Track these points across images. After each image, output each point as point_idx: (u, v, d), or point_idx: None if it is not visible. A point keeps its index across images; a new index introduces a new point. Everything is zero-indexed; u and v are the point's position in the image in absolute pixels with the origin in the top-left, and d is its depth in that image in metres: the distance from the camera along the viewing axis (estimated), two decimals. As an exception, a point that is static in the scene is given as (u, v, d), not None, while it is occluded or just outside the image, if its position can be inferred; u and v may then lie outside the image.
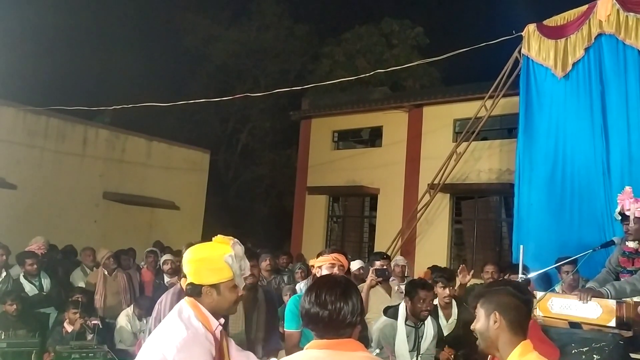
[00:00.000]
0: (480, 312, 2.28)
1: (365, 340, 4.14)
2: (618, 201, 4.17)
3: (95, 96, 13.87)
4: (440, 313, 4.85)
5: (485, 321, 2.25)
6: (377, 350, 3.97)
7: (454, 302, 4.90)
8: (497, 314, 2.23)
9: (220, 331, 2.60)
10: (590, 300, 3.59)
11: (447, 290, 4.77)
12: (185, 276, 3.17)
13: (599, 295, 3.66)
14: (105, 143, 12.83)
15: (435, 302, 4.91)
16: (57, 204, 11.38)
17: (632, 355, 3.42)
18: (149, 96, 11.28)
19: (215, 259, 2.58)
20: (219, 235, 2.67)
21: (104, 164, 12.71)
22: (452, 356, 4.46)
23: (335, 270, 3.82)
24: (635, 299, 3.78)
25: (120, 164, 13.03)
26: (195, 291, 2.56)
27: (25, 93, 12.87)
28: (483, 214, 12.15)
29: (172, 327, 2.47)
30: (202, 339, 2.43)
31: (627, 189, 4.14)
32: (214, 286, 2.56)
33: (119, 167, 12.98)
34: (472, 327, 2.34)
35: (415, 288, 4.19)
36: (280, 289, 6.81)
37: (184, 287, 3.02)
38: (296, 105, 16.73)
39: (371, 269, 5.43)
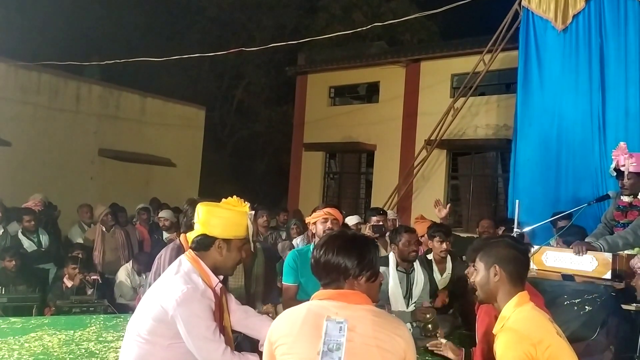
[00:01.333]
0: (480, 265, 2.32)
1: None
2: (613, 157, 4.17)
3: (88, 51, 13.59)
4: (435, 267, 4.92)
5: (486, 274, 2.29)
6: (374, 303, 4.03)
7: (448, 257, 4.97)
8: (497, 266, 2.27)
9: (220, 287, 2.63)
10: (585, 253, 3.64)
11: (444, 245, 4.82)
12: (186, 231, 3.19)
13: (593, 249, 3.71)
14: (98, 99, 12.69)
15: (430, 256, 4.99)
16: (52, 160, 11.34)
17: (623, 306, 3.49)
18: (143, 51, 11.11)
19: (239, 215, 2.61)
20: (234, 197, 2.68)
21: (98, 120, 12.61)
22: (447, 299, 4.58)
23: (329, 224, 3.88)
24: (628, 251, 3.83)
25: (115, 121, 12.93)
26: (205, 243, 2.56)
27: (16, 48, 12.61)
28: (479, 170, 12.17)
29: (172, 282, 2.48)
30: (202, 294, 2.45)
31: (622, 144, 4.14)
32: (227, 241, 2.57)
33: (113, 124, 12.88)
34: (472, 279, 2.39)
35: (399, 233, 4.31)
36: (277, 244, 6.88)
37: (183, 243, 3.03)
38: (292, 61, 16.48)
39: (367, 225, 5.49)
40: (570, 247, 3.81)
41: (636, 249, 3.83)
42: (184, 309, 2.38)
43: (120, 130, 12.96)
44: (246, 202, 2.69)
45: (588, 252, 3.66)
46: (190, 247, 2.62)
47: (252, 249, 3.84)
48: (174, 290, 2.43)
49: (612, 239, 3.84)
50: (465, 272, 2.43)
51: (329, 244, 2.00)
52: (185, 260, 2.57)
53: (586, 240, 4.00)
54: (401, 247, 4.25)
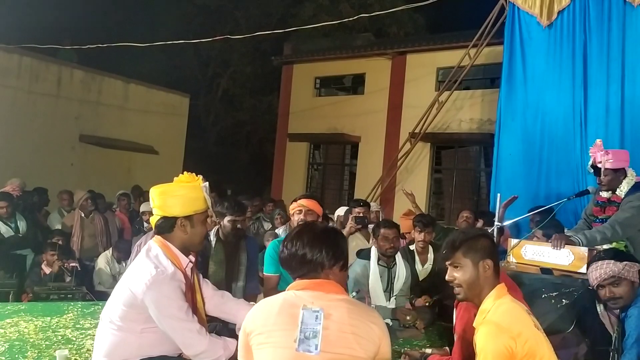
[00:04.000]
0: (466, 262, 2.25)
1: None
2: (590, 154, 4.21)
3: (69, 35, 13.32)
4: (417, 258, 4.94)
5: (474, 270, 2.23)
6: (354, 293, 4.05)
7: (430, 248, 4.98)
8: (487, 260, 2.23)
9: (191, 268, 2.62)
10: (563, 247, 3.69)
11: (422, 235, 4.83)
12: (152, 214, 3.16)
13: (571, 243, 3.75)
14: (80, 84, 12.48)
15: (412, 247, 5.01)
16: (32, 145, 11.15)
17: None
18: (127, 37, 10.93)
19: (194, 189, 2.59)
20: (185, 173, 2.65)
21: (80, 105, 12.40)
22: (428, 303, 4.59)
23: (302, 216, 3.89)
24: (605, 246, 3.89)
25: (97, 107, 12.74)
26: (167, 225, 2.55)
27: (-4, 30, 12.34)
28: (462, 164, 12.25)
29: (141, 266, 2.47)
30: (171, 277, 2.44)
31: (598, 142, 4.18)
32: (188, 218, 2.55)
33: (95, 110, 12.69)
34: (457, 278, 2.27)
35: (378, 227, 4.32)
36: (260, 234, 6.86)
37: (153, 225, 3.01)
38: (278, 51, 16.37)
39: (350, 216, 5.49)
40: (549, 240, 3.85)
41: (614, 244, 3.89)
42: (154, 292, 2.37)
43: (102, 116, 12.78)
44: (198, 176, 2.66)
45: (566, 246, 3.70)
46: (155, 233, 2.60)
47: (222, 232, 3.82)
48: (142, 274, 2.42)
49: (591, 233, 3.89)
50: (447, 278, 2.34)
51: (300, 238, 2.01)
52: (154, 245, 2.56)
53: (566, 233, 4.05)
54: (379, 242, 4.25)
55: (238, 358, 2.02)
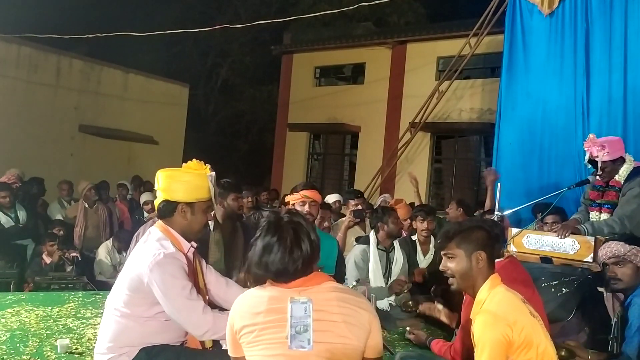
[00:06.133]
0: (459, 253, 2.26)
1: (343, 275, 4.25)
2: (585, 149, 4.20)
3: (69, 25, 13.26)
4: (419, 248, 4.95)
5: (467, 261, 2.24)
6: (354, 282, 4.06)
7: (432, 238, 4.99)
8: (481, 252, 2.24)
9: (193, 253, 2.62)
10: (568, 236, 3.70)
11: (425, 224, 4.84)
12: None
13: (577, 232, 3.76)
14: (79, 74, 12.44)
15: (415, 237, 5.02)
16: (32, 135, 11.13)
17: (599, 289, 3.55)
18: (126, 26, 10.86)
19: (200, 176, 2.59)
20: (193, 160, 2.66)
21: (79, 96, 12.38)
22: (423, 276, 4.66)
23: (307, 207, 3.87)
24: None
25: (96, 97, 12.71)
26: (168, 209, 2.56)
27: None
28: (462, 154, 12.23)
29: (144, 250, 2.49)
30: (174, 258, 2.45)
31: (591, 136, 4.17)
32: (190, 205, 2.56)
33: (94, 100, 12.66)
34: (450, 268, 2.28)
35: (386, 214, 4.40)
36: (260, 224, 6.84)
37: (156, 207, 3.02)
38: (278, 40, 16.30)
39: (348, 210, 5.48)
40: (553, 229, 3.85)
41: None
42: (158, 272, 2.38)
43: (102, 106, 12.75)
44: (206, 164, 2.67)
45: (572, 235, 3.71)
46: (157, 215, 2.62)
47: (218, 215, 3.83)
48: (146, 256, 2.43)
49: (598, 224, 3.88)
50: (441, 268, 2.33)
51: (285, 243, 1.87)
52: (155, 230, 2.58)
53: (572, 218, 4.04)
54: (391, 225, 4.33)
55: (229, 352, 1.97)
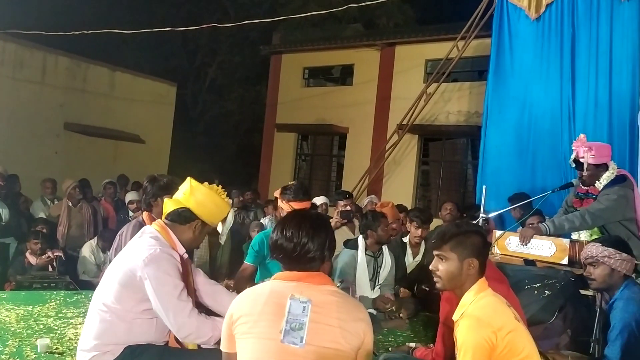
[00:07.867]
0: (452, 256, 2.25)
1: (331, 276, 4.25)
2: (573, 148, 4.24)
3: (55, 21, 13.12)
4: (409, 250, 4.98)
5: (458, 266, 2.23)
6: (339, 283, 4.06)
7: (423, 243, 5.04)
8: (473, 260, 2.23)
9: (186, 259, 2.63)
10: (529, 242, 3.76)
11: (419, 231, 4.92)
12: (146, 208, 3.16)
13: (539, 231, 3.80)
14: (65, 72, 12.32)
15: (406, 239, 5.05)
16: (16, 133, 10.99)
17: (582, 292, 3.58)
18: (113, 24, 10.78)
19: (227, 206, 2.72)
20: (219, 186, 2.73)
21: (65, 93, 12.25)
22: (409, 294, 4.66)
23: None
24: (584, 237, 3.94)
25: (82, 94, 12.59)
26: (186, 217, 2.58)
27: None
28: (450, 156, 12.29)
29: (139, 246, 2.49)
30: (170, 255, 2.47)
31: (581, 136, 4.20)
32: (204, 224, 2.63)
33: (80, 98, 12.53)
34: (439, 269, 2.28)
35: (376, 219, 4.39)
36: (245, 224, 6.84)
37: (146, 220, 3.02)
38: (267, 40, 16.28)
39: (336, 211, 5.48)
40: (517, 231, 3.91)
41: (593, 236, 3.93)
42: (152, 267, 2.39)
43: (88, 104, 12.62)
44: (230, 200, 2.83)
45: (548, 237, 3.74)
46: (166, 217, 2.61)
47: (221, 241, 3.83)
48: (141, 251, 2.44)
49: (559, 221, 3.93)
50: (431, 267, 2.33)
51: (300, 228, 1.95)
52: (151, 228, 2.59)
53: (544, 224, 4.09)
54: (380, 232, 4.33)
55: (221, 346, 1.98)
